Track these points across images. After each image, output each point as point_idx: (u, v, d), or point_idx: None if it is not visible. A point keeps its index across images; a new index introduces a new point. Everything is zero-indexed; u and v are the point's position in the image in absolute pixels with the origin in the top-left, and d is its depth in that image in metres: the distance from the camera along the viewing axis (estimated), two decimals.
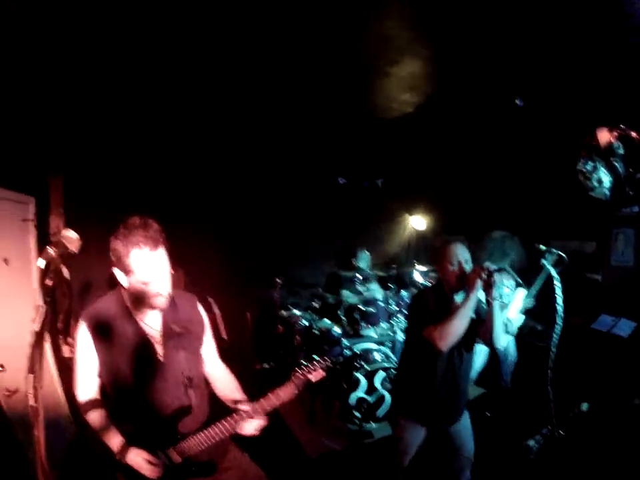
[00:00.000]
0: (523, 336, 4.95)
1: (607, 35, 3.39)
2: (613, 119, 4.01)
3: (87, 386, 2.01)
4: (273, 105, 4.70)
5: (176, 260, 5.01)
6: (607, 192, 4.49)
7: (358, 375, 4.65)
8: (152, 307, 1.95)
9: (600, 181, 4.37)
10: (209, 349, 2.26)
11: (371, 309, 5.30)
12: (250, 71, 3.97)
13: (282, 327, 5.83)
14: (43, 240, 4.01)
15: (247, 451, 2.42)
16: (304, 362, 5.19)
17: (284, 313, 5.82)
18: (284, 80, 4.18)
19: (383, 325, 5.31)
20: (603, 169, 4.32)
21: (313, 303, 5.83)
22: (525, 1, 3.00)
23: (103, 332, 1.93)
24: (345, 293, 5.77)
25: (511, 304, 4.51)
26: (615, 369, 4.13)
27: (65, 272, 4.24)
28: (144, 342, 1.97)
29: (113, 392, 1.99)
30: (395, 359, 4.92)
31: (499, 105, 4.53)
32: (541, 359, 4.25)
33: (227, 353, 5.42)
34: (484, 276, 2.55)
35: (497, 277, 2.59)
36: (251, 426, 2.05)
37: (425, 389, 2.80)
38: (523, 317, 4.54)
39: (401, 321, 5.33)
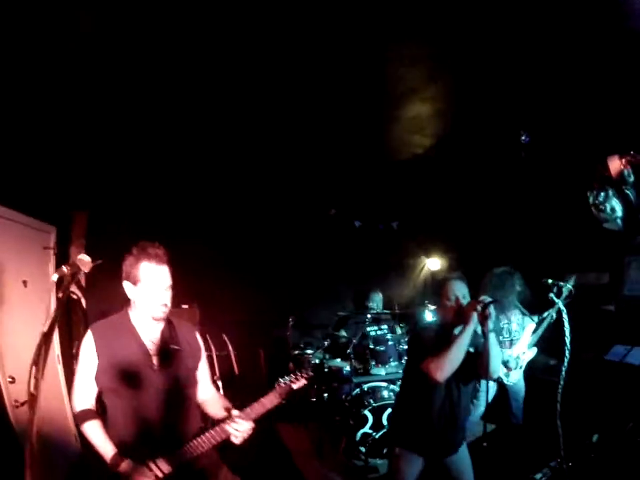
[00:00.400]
0: (535, 371, 4.70)
1: (613, 64, 3.40)
2: (621, 147, 3.94)
3: (85, 394, 2.09)
4: (289, 150, 4.86)
5: (192, 297, 5.16)
6: (620, 222, 4.39)
7: (365, 412, 4.55)
8: (154, 317, 2.12)
9: (613, 210, 4.27)
10: (203, 374, 2.37)
11: (381, 348, 5.23)
12: (270, 120, 4.16)
13: (293, 364, 5.74)
14: None
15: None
16: (314, 399, 5.16)
17: (296, 352, 5.74)
18: (300, 126, 4.34)
19: (393, 363, 5.20)
20: (615, 198, 4.21)
21: (325, 342, 5.69)
22: (529, 36, 3.07)
23: (106, 341, 2.08)
24: (356, 333, 5.68)
25: (520, 339, 4.34)
26: (628, 398, 3.84)
27: (83, 302, 4.42)
28: (142, 353, 2.10)
29: (108, 398, 2.09)
30: None
31: (507, 142, 4.54)
32: (553, 394, 4.15)
33: (240, 389, 5.46)
34: (479, 308, 2.57)
35: (492, 309, 2.58)
36: (240, 429, 2.09)
37: (422, 420, 2.76)
38: (536, 350, 4.36)
39: None
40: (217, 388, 2.58)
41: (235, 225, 6.18)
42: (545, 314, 4.23)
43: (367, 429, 4.53)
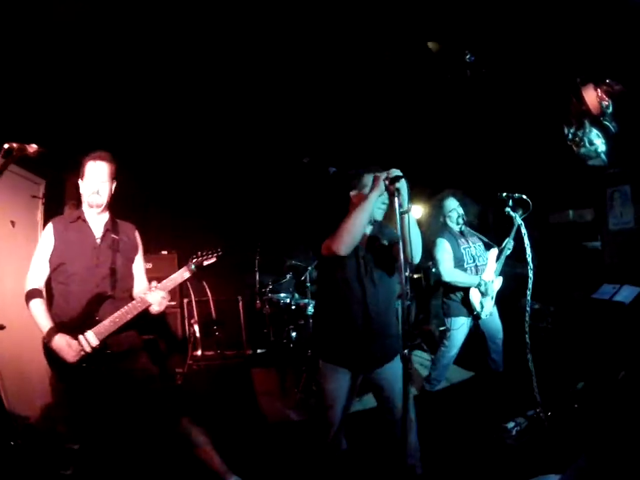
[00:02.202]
0: (519, 316, 3.98)
1: None
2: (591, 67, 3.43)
3: (37, 275, 2.22)
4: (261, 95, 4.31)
5: (172, 245, 4.57)
6: (604, 157, 3.78)
7: None
8: (90, 203, 2.28)
9: (591, 143, 3.64)
10: (138, 269, 2.47)
11: None
12: (248, 60, 3.72)
13: (260, 302, 5.11)
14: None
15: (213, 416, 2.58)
16: (285, 340, 4.43)
17: (269, 295, 4.92)
18: (273, 66, 3.83)
19: None
20: (595, 130, 3.61)
21: (287, 275, 4.97)
22: None
23: (62, 227, 2.28)
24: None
25: (487, 265, 3.58)
26: (617, 340, 3.06)
27: None
28: (88, 237, 2.29)
29: (56, 278, 2.22)
30: None
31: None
32: (542, 341, 3.57)
33: (218, 332, 4.73)
34: (385, 175, 2.06)
35: (402, 186, 2.02)
36: (155, 297, 2.19)
37: (339, 324, 2.23)
38: (501, 279, 3.63)
39: None
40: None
41: (214, 174, 5.76)
42: (504, 242, 3.53)
43: None
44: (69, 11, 2.80)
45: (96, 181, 2.26)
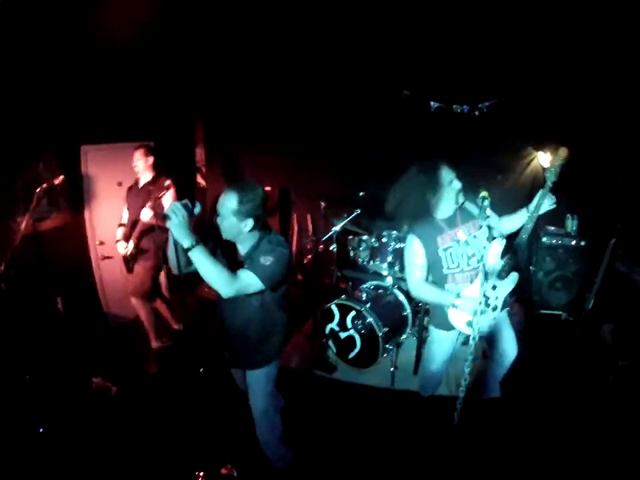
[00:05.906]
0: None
1: None
2: None
3: (123, 216, 3.60)
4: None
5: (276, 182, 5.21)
6: None
7: (333, 307, 3.55)
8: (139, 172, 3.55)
9: None
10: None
11: (375, 244, 3.73)
12: None
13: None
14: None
15: None
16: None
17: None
18: None
19: (378, 262, 3.69)
20: None
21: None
22: None
23: (130, 190, 3.62)
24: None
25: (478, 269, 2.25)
26: None
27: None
28: (136, 191, 3.55)
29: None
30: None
31: None
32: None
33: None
34: None
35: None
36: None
37: None
38: (513, 277, 2.30)
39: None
40: None
41: (312, 114, 4.86)
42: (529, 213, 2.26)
43: (334, 325, 3.58)
44: None
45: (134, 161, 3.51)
